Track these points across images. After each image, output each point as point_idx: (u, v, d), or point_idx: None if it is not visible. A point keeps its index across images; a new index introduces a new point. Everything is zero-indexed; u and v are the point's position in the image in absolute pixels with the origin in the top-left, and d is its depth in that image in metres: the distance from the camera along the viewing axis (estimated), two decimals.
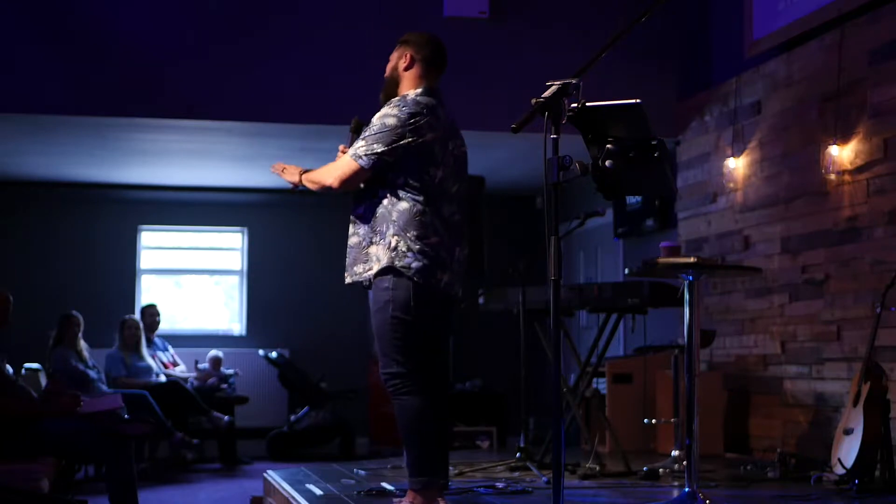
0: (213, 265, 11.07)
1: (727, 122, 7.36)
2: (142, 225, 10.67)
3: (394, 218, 4.05)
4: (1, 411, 5.23)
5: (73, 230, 10.35)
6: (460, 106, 4.75)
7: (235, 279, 10.95)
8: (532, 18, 7.82)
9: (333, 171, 4.12)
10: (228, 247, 10.98)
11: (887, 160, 5.86)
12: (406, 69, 4.22)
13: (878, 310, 5.12)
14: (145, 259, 10.75)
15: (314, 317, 10.54)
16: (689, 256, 4.58)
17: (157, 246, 10.86)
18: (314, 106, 7.51)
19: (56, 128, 7.86)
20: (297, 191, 4.33)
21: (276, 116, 7.59)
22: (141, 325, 9.15)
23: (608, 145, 3.41)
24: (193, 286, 11.14)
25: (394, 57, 4.27)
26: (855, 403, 5.11)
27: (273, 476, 5.65)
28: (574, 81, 3.06)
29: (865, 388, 5.08)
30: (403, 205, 4.05)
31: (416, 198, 4.04)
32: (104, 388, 8.33)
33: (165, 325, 9.86)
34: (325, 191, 4.17)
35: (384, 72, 4.30)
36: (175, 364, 9.55)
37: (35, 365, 7.89)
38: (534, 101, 3.05)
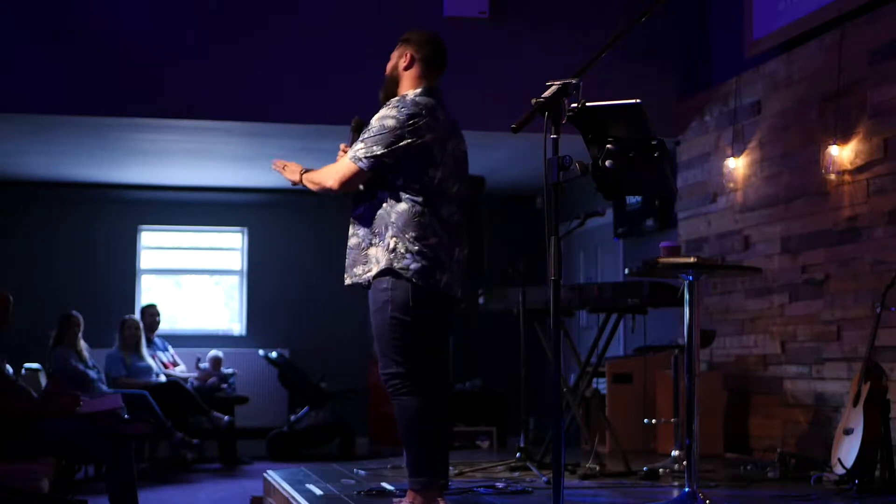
0: (213, 265, 11.07)
1: (727, 122, 7.36)
2: (142, 225, 10.67)
3: (392, 219, 4.04)
4: (1, 411, 5.24)
5: (73, 230, 10.36)
6: (460, 106, 4.75)
7: (235, 279, 10.95)
8: (532, 18, 7.82)
9: (333, 172, 4.11)
10: (228, 247, 10.98)
11: (887, 160, 5.86)
12: (406, 68, 4.22)
13: (878, 310, 5.12)
14: (145, 259, 10.75)
15: (314, 317, 10.54)
16: (689, 256, 4.58)
17: (157, 246, 10.86)
18: (314, 106, 7.51)
19: (56, 128, 7.87)
20: (298, 188, 4.33)
21: (276, 116, 7.59)
22: (141, 325, 9.15)
23: (608, 145, 3.41)
24: (193, 286, 11.14)
25: (394, 56, 4.27)
26: (855, 403, 5.12)
27: (273, 476, 5.65)
28: (574, 81, 3.06)
29: (865, 388, 5.08)
30: (402, 206, 4.05)
31: (415, 199, 4.04)
32: (104, 388, 8.33)
33: (165, 325, 9.86)
34: (325, 192, 4.17)
35: (384, 71, 4.30)
36: (175, 364, 9.55)
37: (35, 365, 7.89)
38: (534, 101, 3.05)
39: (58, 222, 10.34)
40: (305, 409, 9.77)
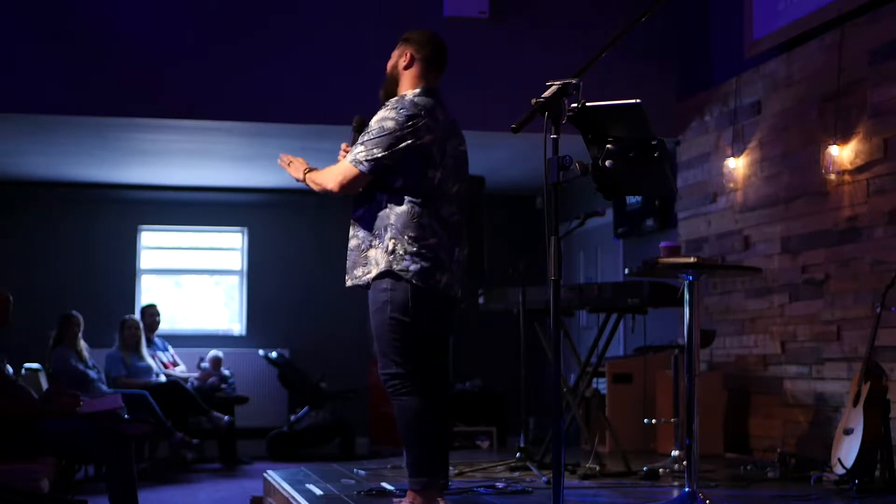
0: (213, 265, 11.07)
1: (727, 122, 7.36)
2: (142, 225, 10.67)
3: (391, 221, 4.04)
4: (1, 411, 5.24)
5: (73, 230, 10.36)
6: (460, 106, 4.75)
7: (235, 279, 10.95)
8: (532, 18, 7.82)
9: (334, 175, 4.11)
10: (228, 247, 10.98)
11: (887, 160, 5.86)
12: (406, 68, 4.22)
13: (878, 310, 5.12)
14: (145, 259, 10.75)
15: (314, 317, 10.54)
16: (689, 256, 4.59)
17: (157, 246, 10.86)
18: (314, 106, 7.51)
19: (56, 128, 7.87)
20: (299, 187, 4.33)
21: (276, 116, 7.59)
22: (141, 325, 9.15)
23: (608, 145, 3.41)
24: (193, 286, 11.14)
25: (395, 55, 4.27)
26: (855, 403, 5.12)
27: (273, 476, 5.65)
28: (574, 81, 3.06)
29: (865, 388, 5.08)
30: (401, 207, 4.04)
31: (414, 200, 4.04)
32: (104, 388, 8.33)
33: (165, 325, 9.86)
34: (326, 193, 4.17)
35: (385, 71, 4.29)
36: (175, 364, 9.55)
37: (35, 365, 7.89)
38: (534, 101, 3.05)
39: (58, 222, 10.34)
40: (305, 409, 9.77)
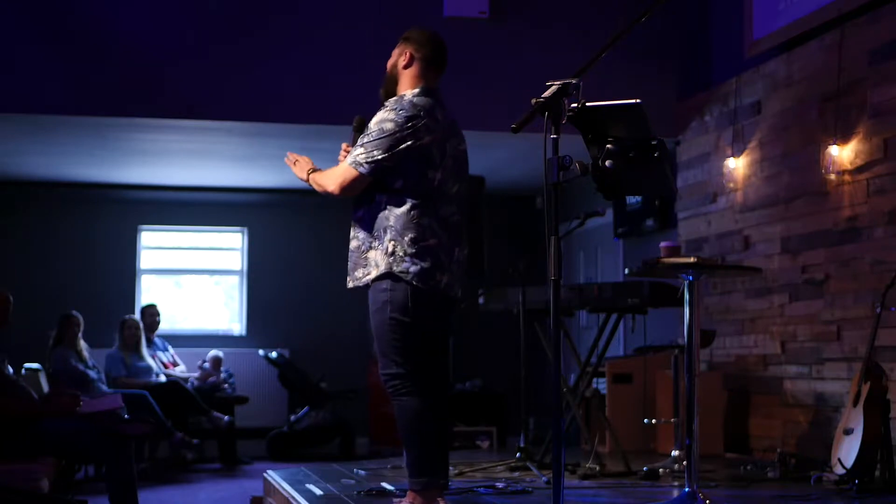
0: (213, 265, 11.07)
1: (727, 122, 7.36)
2: (142, 225, 10.67)
3: (391, 222, 4.04)
4: (1, 411, 5.24)
5: (73, 230, 10.36)
6: (460, 106, 4.75)
7: (235, 279, 10.95)
8: (532, 18, 7.82)
9: (335, 177, 4.11)
10: (228, 247, 10.98)
11: (887, 160, 5.86)
12: (405, 67, 4.21)
13: (878, 310, 5.12)
14: (145, 259, 10.75)
15: (314, 317, 10.54)
16: (689, 256, 4.58)
17: (157, 246, 10.87)
18: (314, 106, 7.51)
19: (56, 128, 7.87)
20: (301, 187, 4.34)
21: (276, 116, 7.59)
22: (141, 325, 9.15)
23: (608, 145, 3.41)
24: (193, 286, 11.14)
25: (395, 54, 4.27)
26: (855, 403, 5.11)
27: (273, 476, 5.65)
28: (574, 81, 3.06)
29: (865, 388, 5.08)
30: (401, 208, 4.04)
31: (414, 201, 4.04)
32: (104, 388, 8.33)
33: (165, 325, 9.86)
34: (328, 195, 4.18)
35: (385, 71, 4.30)
36: (175, 364, 9.56)
37: (35, 365, 7.89)
38: (534, 101, 3.05)
39: (58, 222, 10.35)
40: (305, 409, 9.77)
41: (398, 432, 4.17)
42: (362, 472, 5.68)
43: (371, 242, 4.10)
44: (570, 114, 3.11)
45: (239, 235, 10.90)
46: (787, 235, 6.69)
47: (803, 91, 6.61)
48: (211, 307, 11.05)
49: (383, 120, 4.06)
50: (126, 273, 10.52)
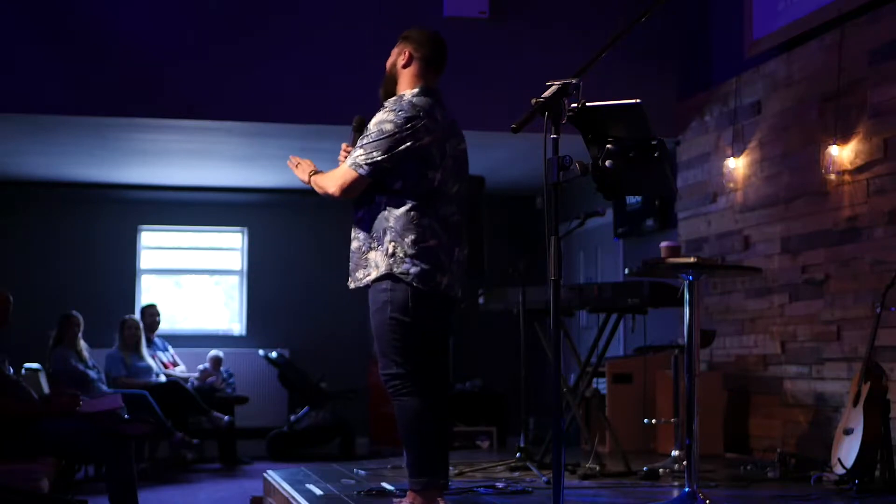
0: (213, 265, 11.07)
1: (727, 122, 7.36)
2: (142, 225, 10.67)
3: (391, 223, 4.04)
4: (1, 411, 5.24)
5: (73, 230, 10.36)
6: (460, 106, 4.75)
7: (235, 279, 10.95)
8: (532, 18, 7.82)
9: (335, 179, 4.11)
10: (228, 247, 10.98)
11: (887, 160, 5.86)
12: (404, 66, 4.21)
13: (878, 310, 5.12)
14: (145, 259, 10.75)
15: (314, 317, 10.54)
16: (689, 256, 4.58)
17: (157, 246, 10.86)
18: (314, 106, 7.51)
19: (56, 128, 7.87)
20: (301, 188, 4.34)
21: (276, 116, 7.59)
22: (141, 325, 9.15)
23: (608, 145, 3.41)
24: (193, 286, 11.14)
25: (394, 53, 4.26)
26: (855, 403, 5.11)
27: (273, 476, 5.65)
28: (574, 81, 3.06)
29: (865, 388, 5.08)
30: (401, 209, 4.04)
31: (414, 202, 4.04)
32: (104, 388, 8.33)
33: (165, 325, 9.86)
34: (328, 197, 4.19)
35: (385, 70, 4.29)
36: (175, 364, 9.56)
37: (35, 365, 7.89)
38: (534, 101, 3.05)
39: (58, 222, 10.35)
40: (305, 409, 9.77)
41: (398, 432, 4.17)
42: (362, 472, 5.68)
43: (371, 243, 4.10)
44: (570, 114, 3.11)
45: (239, 235, 10.90)
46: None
47: (803, 91, 6.61)
48: (211, 307, 11.05)
49: (382, 121, 4.06)
50: (126, 273, 10.52)
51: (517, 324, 6.03)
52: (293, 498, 4.90)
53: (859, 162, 6.06)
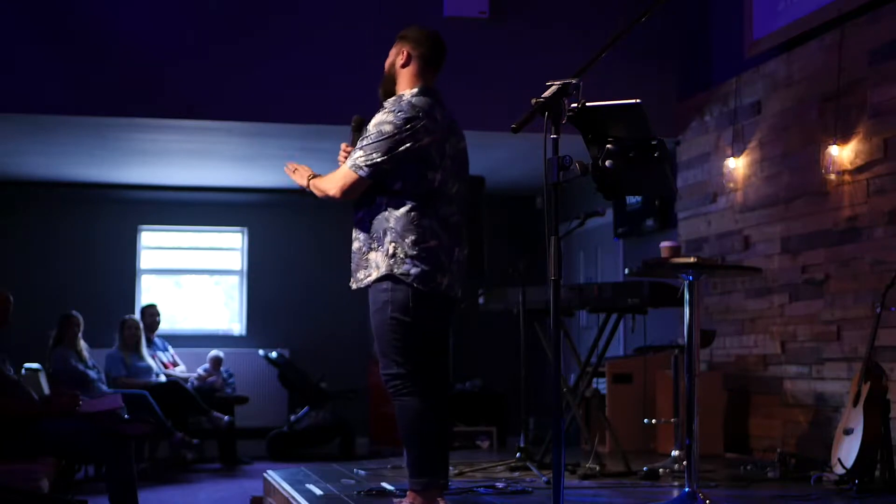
0: (213, 265, 11.07)
1: (727, 122, 7.36)
2: (142, 225, 10.67)
3: (391, 224, 4.04)
4: (1, 411, 5.24)
5: (73, 230, 10.36)
6: (460, 106, 4.75)
7: (235, 279, 10.95)
8: (532, 18, 7.81)
9: (335, 181, 4.12)
10: (228, 247, 10.98)
11: (887, 160, 5.86)
12: (403, 66, 4.21)
13: (878, 310, 5.12)
14: (145, 259, 10.75)
15: (314, 317, 10.54)
16: (689, 256, 4.58)
17: (157, 246, 10.87)
18: (314, 106, 7.51)
19: (56, 128, 7.87)
20: (306, 192, 4.34)
21: (276, 116, 7.59)
22: (141, 325, 9.15)
23: (608, 145, 3.41)
24: (193, 286, 11.14)
25: (392, 52, 4.26)
26: (855, 403, 5.12)
27: (273, 476, 5.65)
28: (574, 81, 3.06)
29: (865, 388, 5.08)
30: (401, 210, 4.04)
31: (414, 202, 4.04)
32: (104, 388, 8.33)
33: (165, 325, 9.86)
34: (329, 199, 4.19)
35: (384, 70, 4.29)
36: (175, 364, 9.55)
37: (35, 365, 7.89)
38: (534, 101, 3.05)
39: (58, 222, 10.34)
40: (305, 409, 9.77)
41: (398, 432, 4.17)
42: (362, 472, 5.68)
43: (372, 244, 4.10)
44: (570, 114, 3.11)
45: (239, 235, 10.90)
46: (787, 235, 6.69)
47: (803, 91, 6.61)
48: (211, 307, 11.05)
49: (382, 122, 4.06)
50: (126, 273, 10.52)
51: (517, 324, 6.03)
52: (293, 498, 4.90)
53: (859, 162, 6.06)
